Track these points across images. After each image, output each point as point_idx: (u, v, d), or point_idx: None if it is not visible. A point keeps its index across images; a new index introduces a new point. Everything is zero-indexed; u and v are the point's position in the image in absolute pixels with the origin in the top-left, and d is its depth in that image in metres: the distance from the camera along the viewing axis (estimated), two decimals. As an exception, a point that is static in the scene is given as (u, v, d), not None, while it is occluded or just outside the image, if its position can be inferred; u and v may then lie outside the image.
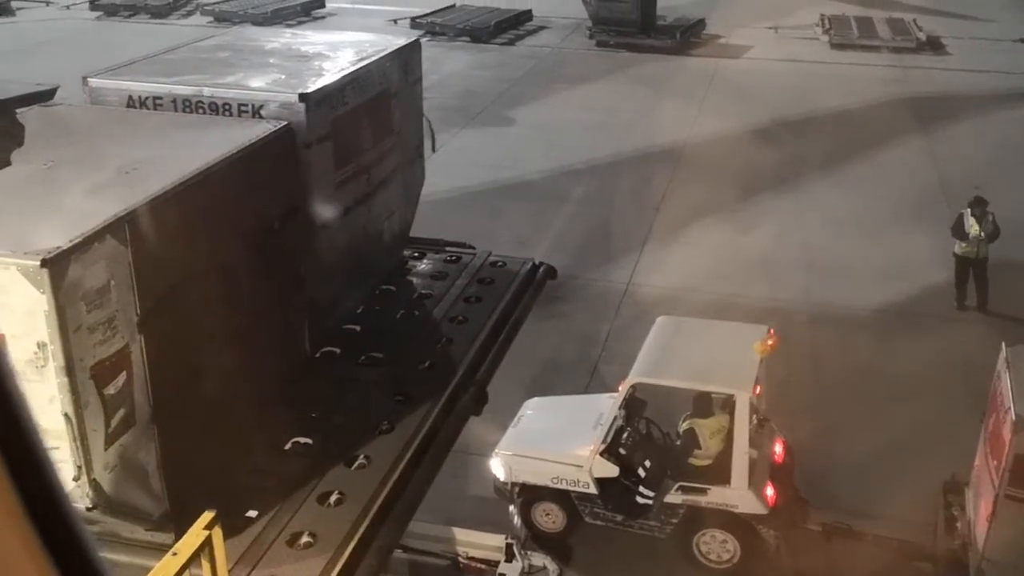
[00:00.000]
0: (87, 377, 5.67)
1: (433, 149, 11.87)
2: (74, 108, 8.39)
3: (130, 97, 8.17)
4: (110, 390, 5.84)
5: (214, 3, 33.14)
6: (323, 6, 33.78)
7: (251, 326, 7.39)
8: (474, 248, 10.70)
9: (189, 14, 33.44)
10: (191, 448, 6.49)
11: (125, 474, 6.10)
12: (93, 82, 8.28)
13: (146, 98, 8.15)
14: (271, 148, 7.52)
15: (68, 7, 33.73)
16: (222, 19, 31.36)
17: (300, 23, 31.31)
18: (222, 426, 6.73)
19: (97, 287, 5.71)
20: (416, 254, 10.48)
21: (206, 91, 8.09)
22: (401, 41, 10.09)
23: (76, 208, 6.07)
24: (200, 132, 7.68)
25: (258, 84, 8.35)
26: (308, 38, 10.70)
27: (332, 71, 8.73)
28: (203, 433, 6.61)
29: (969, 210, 14.01)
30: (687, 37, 29.78)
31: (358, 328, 9.05)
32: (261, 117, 7.90)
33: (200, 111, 8.06)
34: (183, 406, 6.48)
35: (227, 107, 8.00)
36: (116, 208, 5.96)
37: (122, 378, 5.94)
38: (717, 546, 9.37)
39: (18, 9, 33.63)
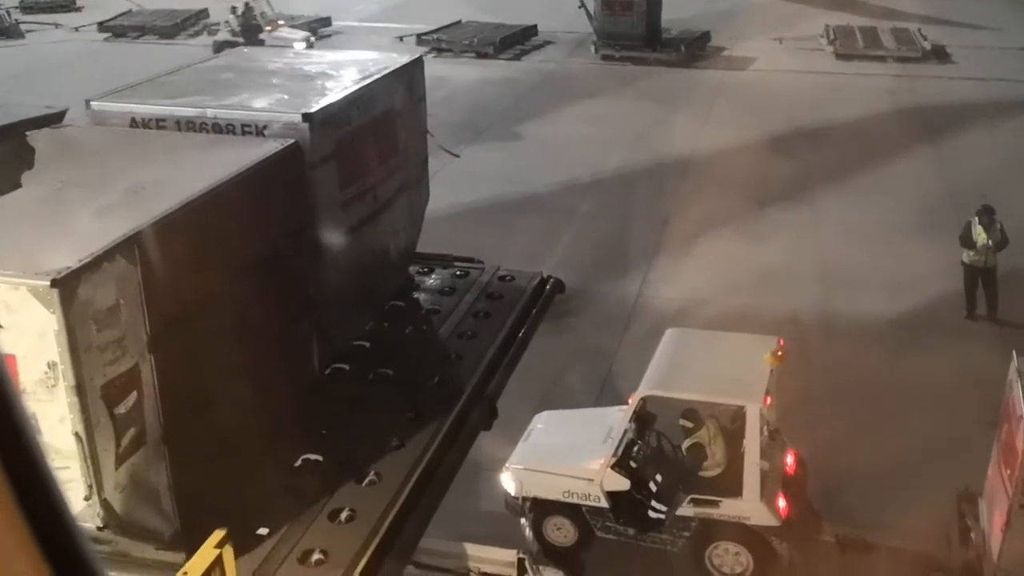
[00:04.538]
0: (97, 397, 5.68)
1: (455, 155, 12.45)
2: (83, 130, 8.41)
3: (133, 119, 8.13)
4: (120, 410, 5.85)
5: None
6: (329, 25, 33.96)
7: (261, 345, 7.40)
8: (482, 263, 10.70)
9: (196, 34, 33.66)
10: (202, 467, 6.49)
11: (136, 494, 6.11)
12: (96, 104, 8.25)
13: (149, 120, 8.11)
14: (279, 166, 7.54)
15: (77, 29, 34.00)
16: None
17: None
18: (232, 445, 6.73)
19: (107, 307, 5.73)
20: (424, 269, 10.48)
21: (209, 112, 8.07)
22: (404, 59, 10.11)
23: (85, 228, 6.09)
24: (208, 151, 7.70)
25: (262, 104, 8.34)
26: (311, 57, 10.75)
27: (336, 90, 8.73)
28: (214, 452, 6.61)
29: (977, 218, 13.96)
30: (692, 50, 29.84)
31: (367, 345, 9.06)
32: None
33: (204, 132, 8.06)
34: (193, 425, 6.49)
35: (230, 128, 7.99)
36: (125, 228, 5.98)
37: (132, 398, 5.95)
38: (730, 559, 9.33)
39: (28, 32, 33.90)
